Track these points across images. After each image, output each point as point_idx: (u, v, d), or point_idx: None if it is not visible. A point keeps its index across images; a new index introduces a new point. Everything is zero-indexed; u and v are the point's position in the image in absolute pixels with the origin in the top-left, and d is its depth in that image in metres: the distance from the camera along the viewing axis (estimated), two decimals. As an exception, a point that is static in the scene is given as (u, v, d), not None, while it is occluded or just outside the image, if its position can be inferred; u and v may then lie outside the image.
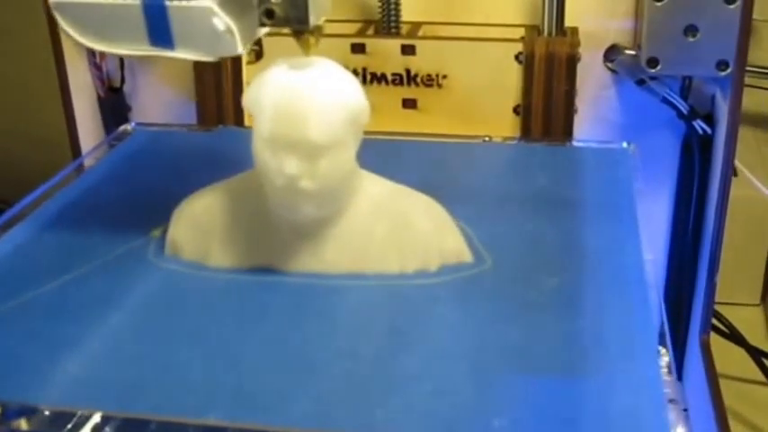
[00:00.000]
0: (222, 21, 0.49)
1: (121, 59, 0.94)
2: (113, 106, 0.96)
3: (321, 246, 0.58)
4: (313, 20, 0.50)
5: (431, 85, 0.82)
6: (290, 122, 0.53)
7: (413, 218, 0.59)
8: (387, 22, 0.84)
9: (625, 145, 0.76)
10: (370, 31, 0.85)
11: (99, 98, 0.96)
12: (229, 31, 0.50)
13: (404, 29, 0.84)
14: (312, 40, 0.53)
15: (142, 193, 0.69)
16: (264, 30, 0.55)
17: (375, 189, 0.59)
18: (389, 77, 0.82)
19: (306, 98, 0.53)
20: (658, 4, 0.75)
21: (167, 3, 0.49)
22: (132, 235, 0.62)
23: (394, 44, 0.81)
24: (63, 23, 0.53)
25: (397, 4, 0.83)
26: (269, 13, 0.49)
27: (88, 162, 0.77)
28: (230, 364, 0.49)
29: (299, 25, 0.50)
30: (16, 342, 0.51)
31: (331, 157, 0.54)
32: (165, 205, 0.62)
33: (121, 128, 0.84)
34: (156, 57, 0.52)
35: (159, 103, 0.95)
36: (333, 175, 0.55)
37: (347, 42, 0.82)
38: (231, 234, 0.59)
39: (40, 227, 0.65)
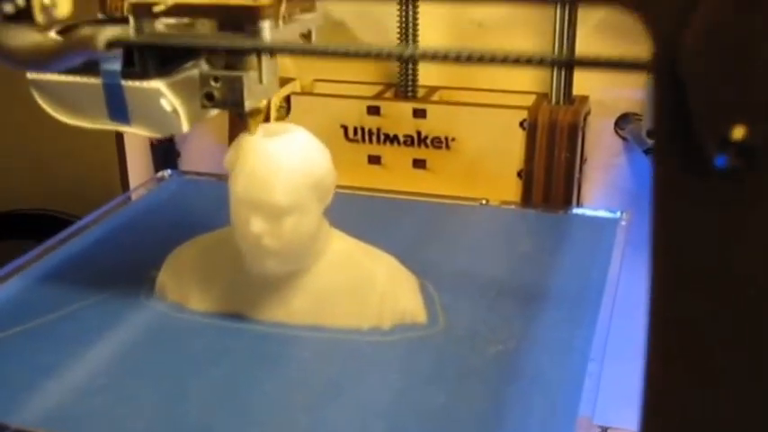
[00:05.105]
0: (169, 102, 0.54)
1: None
2: (165, 152, 1.05)
3: (287, 298, 0.62)
4: (249, 104, 0.53)
5: (440, 147, 0.85)
6: (258, 185, 0.58)
7: (373, 278, 0.62)
8: (404, 86, 0.88)
9: (618, 214, 0.77)
10: (389, 94, 0.89)
11: (152, 144, 1.05)
12: (175, 111, 0.54)
13: (421, 92, 0.88)
14: (251, 122, 0.57)
15: (155, 238, 0.76)
16: (211, 111, 0.59)
17: (341, 248, 0.63)
18: (401, 138, 0.86)
19: (273, 164, 0.58)
20: (657, 78, 0.75)
21: (123, 83, 0.54)
22: (132, 275, 0.69)
23: (406, 107, 0.85)
24: (38, 97, 0.59)
25: (415, 70, 0.87)
26: (209, 96, 0.52)
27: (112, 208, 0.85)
28: (169, 400, 0.54)
29: (235, 108, 0.53)
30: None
31: (294, 218, 0.59)
32: (170, 250, 0.68)
33: (159, 174, 0.92)
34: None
35: (204, 151, 1.03)
36: (295, 236, 0.59)
37: (363, 104, 0.86)
38: (209, 281, 0.64)
39: (58, 264, 0.73)
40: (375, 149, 0.87)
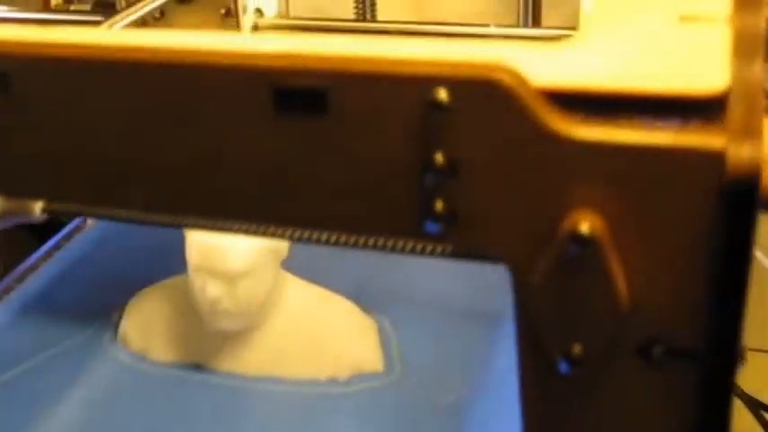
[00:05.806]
0: None
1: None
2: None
3: (245, 349, 0.63)
4: None
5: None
6: (212, 252, 0.58)
7: (330, 327, 0.62)
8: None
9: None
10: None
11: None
12: None
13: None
14: None
15: (114, 270, 0.74)
16: None
17: (298, 296, 0.63)
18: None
19: None
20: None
21: None
22: (94, 319, 0.69)
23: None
24: None
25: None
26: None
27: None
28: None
29: None
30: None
31: (250, 280, 0.59)
32: (129, 287, 0.68)
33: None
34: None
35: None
36: (251, 297, 0.60)
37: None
38: (170, 332, 0.65)
39: (17, 308, 0.71)
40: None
